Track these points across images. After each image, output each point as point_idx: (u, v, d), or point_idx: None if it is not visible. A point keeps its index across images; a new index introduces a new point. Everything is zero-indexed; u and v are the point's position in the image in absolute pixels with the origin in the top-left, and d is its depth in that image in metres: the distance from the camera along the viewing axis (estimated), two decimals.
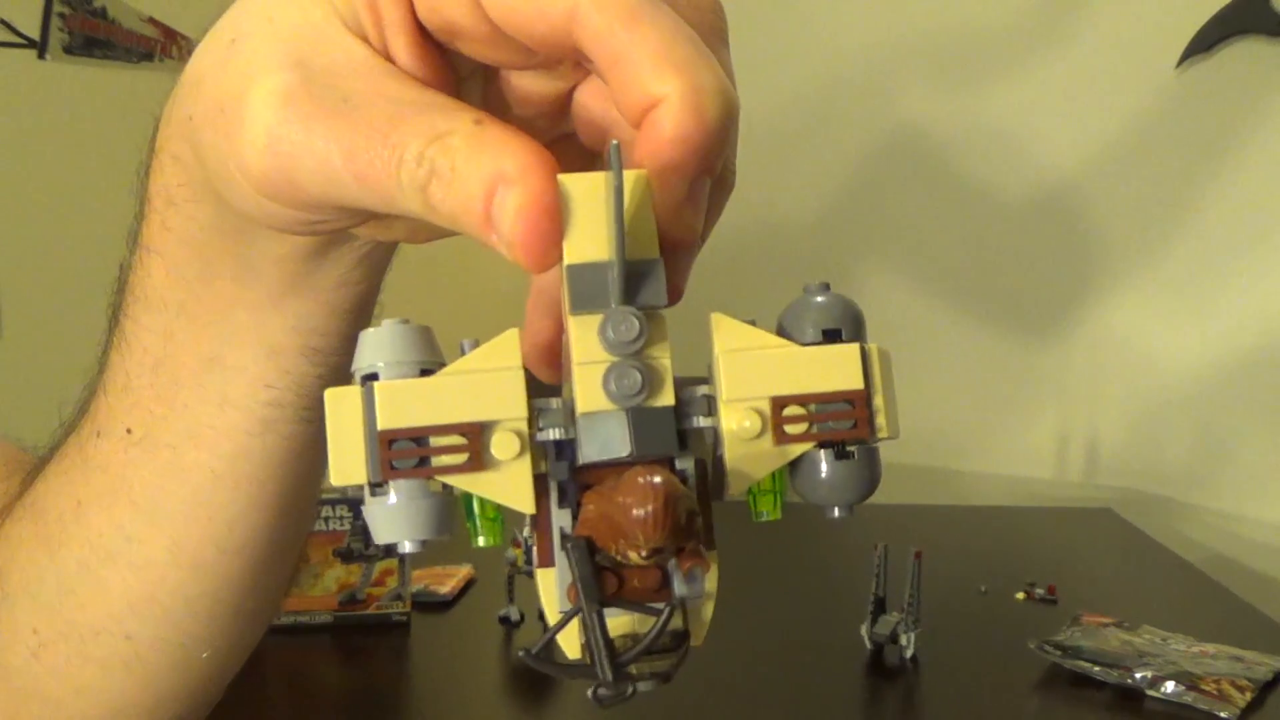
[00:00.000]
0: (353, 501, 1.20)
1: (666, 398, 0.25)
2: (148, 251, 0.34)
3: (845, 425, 0.26)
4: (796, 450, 0.26)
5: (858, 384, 0.26)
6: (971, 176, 2.11)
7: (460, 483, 0.24)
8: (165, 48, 2.10)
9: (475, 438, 0.24)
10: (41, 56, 2.00)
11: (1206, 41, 1.85)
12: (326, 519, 1.20)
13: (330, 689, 1.13)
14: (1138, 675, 1.05)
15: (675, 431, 0.25)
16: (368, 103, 0.26)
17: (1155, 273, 1.97)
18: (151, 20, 2.09)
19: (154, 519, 0.37)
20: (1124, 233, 1.99)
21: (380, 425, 0.24)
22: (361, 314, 0.36)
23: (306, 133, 0.26)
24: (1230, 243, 1.89)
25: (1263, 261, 1.87)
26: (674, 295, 0.27)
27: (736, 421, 0.26)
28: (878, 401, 0.26)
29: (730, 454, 0.26)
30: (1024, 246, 2.08)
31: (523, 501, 0.25)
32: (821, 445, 0.26)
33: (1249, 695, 1.02)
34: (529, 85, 0.30)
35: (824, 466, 0.26)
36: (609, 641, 0.24)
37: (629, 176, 0.25)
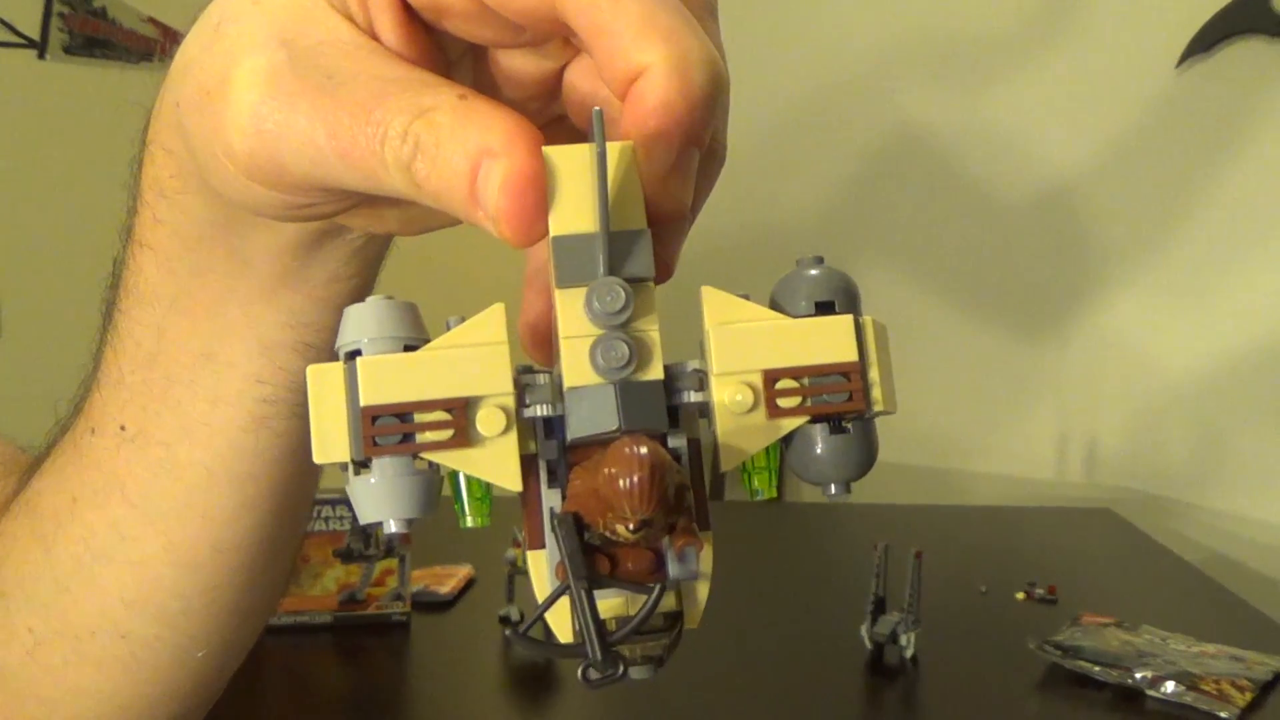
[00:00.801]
0: None
1: (655, 370, 0.25)
2: (140, 246, 0.34)
3: (839, 398, 0.25)
4: (790, 424, 0.25)
5: (852, 356, 0.25)
6: (972, 176, 2.11)
7: (445, 459, 0.24)
8: (165, 48, 2.10)
9: (460, 414, 0.24)
10: (41, 56, 2.00)
11: (1206, 41, 1.85)
12: (326, 519, 1.20)
13: (330, 689, 1.13)
14: (1138, 675, 1.05)
15: (664, 405, 0.25)
16: (352, 80, 0.25)
17: (1155, 272, 1.96)
18: (151, 20, 2.09)
19: (148, 516, 0.37)
20: (1124, 232, 1.99)
21: (363, 401, 0.24)
22: None
23: (290, 111, 0.25)
24: (1230, 242, 1.89)
25: (1263, 261, 1.86)
26: (664, 271, 0.26)
27: (728, 395, 0.25)
28: (873, 374, 0.25)
29: (721, 428, 0.25)
30: (1024, 246, 2.08)
31: (509, 478, 0.24)
32: (815, 419, 0.25)
33: (1249, 695, 1.02)
34: (519, 66, 0.30)
35: (818, 442, 0.25)
36: (598, 620, 0.23)
37: (614, 148, 0.25)
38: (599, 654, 0.23)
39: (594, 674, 0.24)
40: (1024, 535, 1.67)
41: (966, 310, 2.15)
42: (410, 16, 0.27)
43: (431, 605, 1.26)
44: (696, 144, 0.25)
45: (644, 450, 0.22)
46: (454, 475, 0.25)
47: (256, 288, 0.34)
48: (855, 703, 1.11)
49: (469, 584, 1.32)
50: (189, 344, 0.35)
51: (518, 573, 1.19)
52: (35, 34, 2.00)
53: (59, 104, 2.04)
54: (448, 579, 1.30)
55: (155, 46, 2.09)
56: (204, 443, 0.36)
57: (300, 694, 1.11)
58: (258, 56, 0.26)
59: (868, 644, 1.13)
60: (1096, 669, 1.07)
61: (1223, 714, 1.00)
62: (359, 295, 0.36)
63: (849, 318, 0.26)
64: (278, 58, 0.26)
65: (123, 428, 0.36)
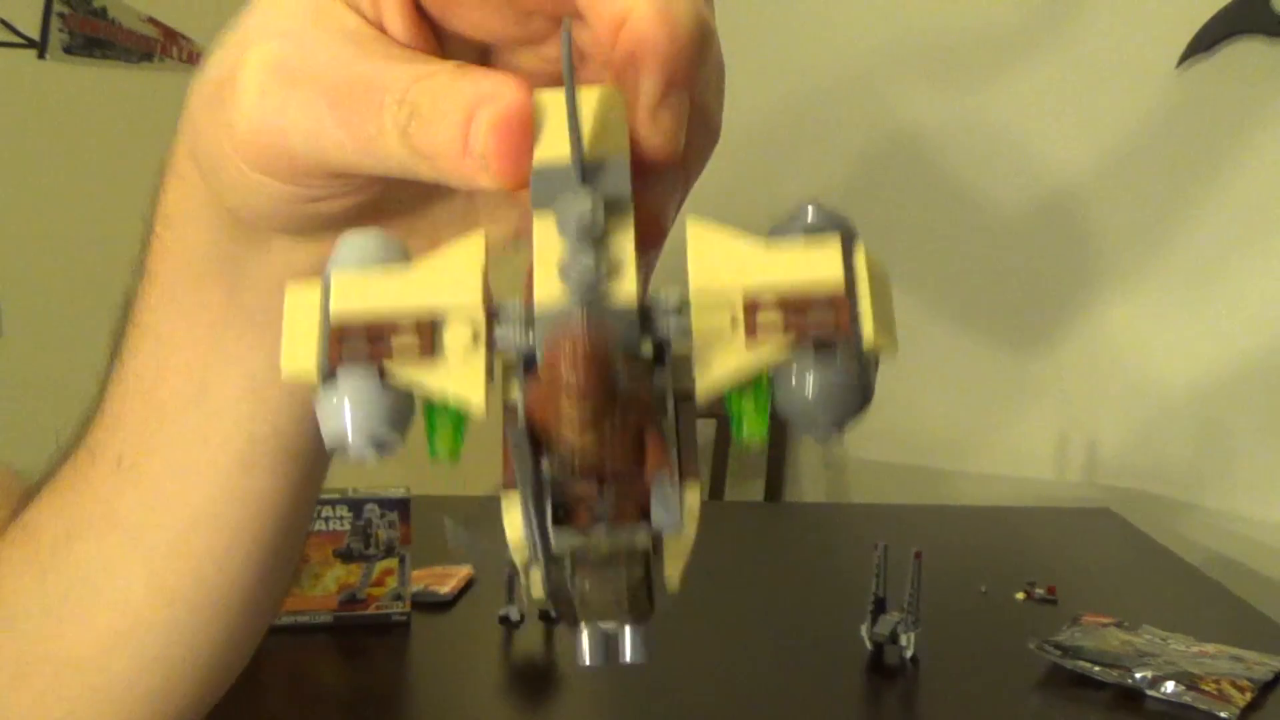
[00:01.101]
0: (352, 501, 1.20)
1: (628, 285, 0.24)
2: (146, 277, 0.35)
3: (825, 324, 0.23)
4: (770, 350, 0.24)
5: (838, 278, 0.24)
6: (971, 177, 2.11)
7: (410, 373, 0.23)
8: (165, 48, 2.10)
9: (429, 331, 0.24)
10: (41, 56, 2.00)
11: (1206, 41, 1.85)
12: (326, 519, 1.20)
13: (330, 689, 1.13)
14: (1138, 675, 1.05)
15: (637, 328, 0.24)
16: (357, 60, 0.26)
17: (1155, 272, 1.96)
18: (151, 20, 2.09)
19: (138, 553, 0.37)
20: (1124, 232, 1.99)
21: (333, 308, 0.24)
22: None
23: (294, 87, 0.26)
24: (1230, 242, 1.89)
25: (1263, 261, 1.86)
26: (654, 228, 0.26)
27: (705, 320, 0.24)
28: (863, 302, 0.24)
29: (698, 352, 0.24)
30: (1024, 246, 2.08)
31: (472, 393, 0.23)
32: (801, 347, 0.24)
33: (1249, 695, 1.03)
34: (528, 69, 0.30)
35: (805, 374, 0.23)
36: (543, 521, 0.22)
37: (601, 90, 0.25)
38: (540, 555, 0.22)
39: (551, 585, 0.23)
40: (1024, 535, 1.67)
41: (966, 310, 2.15)
42: (420, 16, 0.27)
43: (431, 605, 1.26)
44: (681, 86, 0.25)
45: (586, 328, 0.21)
46: (428, 406, 0.24)
47: (253, 323, 0.34)
48: (855, 703, 1.11)
49: (469, 584, 1.32)
50: (184, 380, 0.35)
51: (518, 573, 1.19)
52: (35, 34, 2.00)
53: (59, 104, 2.04)
54: (448, 579, 1.30)
55: (155, 46, 2.09)
56: (194, 482, 0.36)
57: (300, 694, 1.11)
58: (266, 44, 0.27)
59: (868, 644, 1.13)
60: (1096, 669, 1.07)
61: (1223, 714, 1.00)
62: None
63: (836, 242, 0.24)
64: (285, 44, 0.27)
65: (119, 461, 0.36)
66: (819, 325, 0.23)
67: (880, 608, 1.14)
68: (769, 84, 2.15)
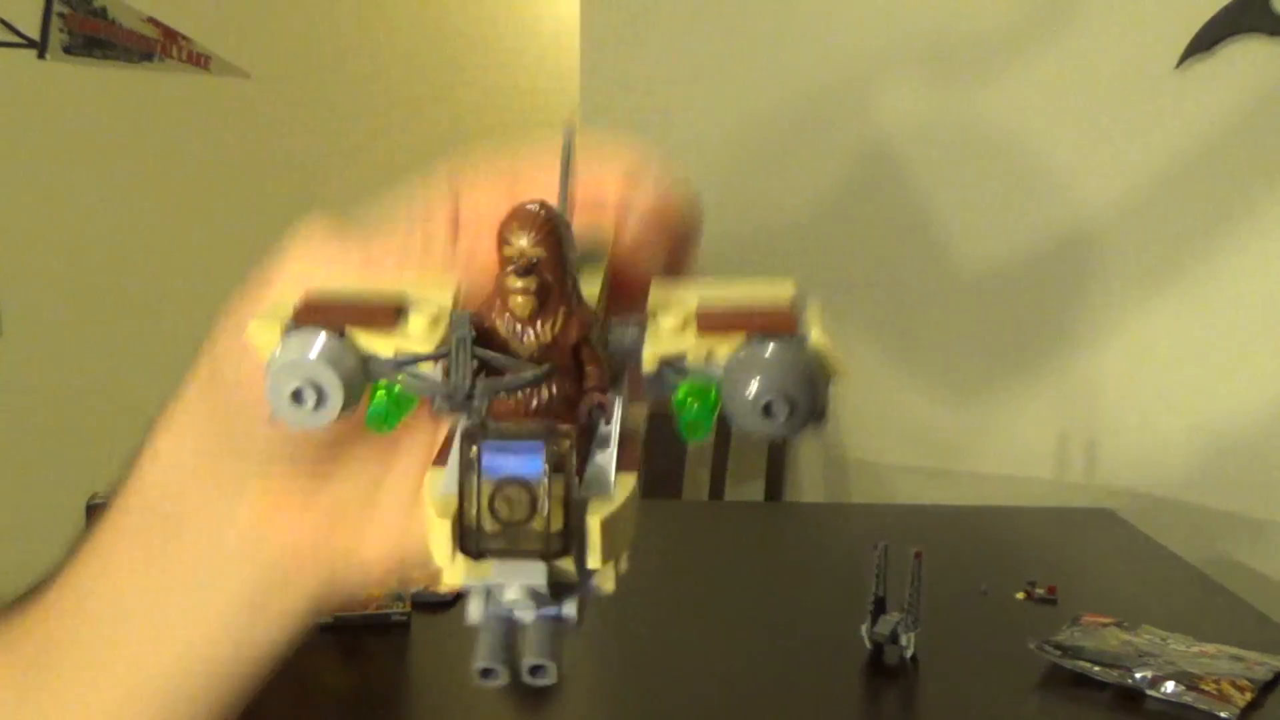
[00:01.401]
0: None
1: (590, 289, 0.26)
2: (125, 487, 0.35)
3: (771, 322, 0.24)
4: (717, 341, 0.24)
5: (787, 297, 0.25)
6: (970, 177, 2.11)
7: (368, 339, 0.24)
8: (165, 48, 2.10)
9: (394, 309, 0.25)
10: (41, 56, 2.00)
11: (1206, 41, 1.85)
12: None
13: (330, 689, 1.13)
14: (1138, 675, 1.05)
15: (598, 322, 0.25)
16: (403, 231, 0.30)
17: (1155, 271, 1.97)
18: (151, 20, 2.09)
19: None
20: (1124, 232, 1.99)
21: (309, 291, 0.25)
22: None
23: (338, 238, 0.30)
24: (1230, 242, 1.89)
25: (1263, 261, 1.87)
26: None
27: (660, 320, 0.25)
28: (812, 318, 0.24)
29: (649, 341, 0.25)
30: (1024, 245, 2.08)
31: (421, 349, 0.24)
32: (748, 342, 0.24)
33: (1249, 695, 1.03)
34: None
35: (749, 366, 0.23)
36: (466, 367, 0.23)
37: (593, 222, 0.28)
38: (461, 392, 0.23)
39: (446, 405, 0.23)
40: (1024, 535, 1.67)
41: (967, 310, 2.15)
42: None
43: (431, 605, 1.26)
44: (664, 236, 0.29)
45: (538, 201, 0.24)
46: (375, 385, 0.25)
47: (173, 569, 0.34)
48: (855, 703, 1.11)
49: None
50: (107, 603, 0.35)
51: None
52: (35, 34, 2.00)
53: (59, 104, 2.04)
54: None
55: (155, 46, 2.09)
56: (93, 705, 0.35)
57: (300, 694, 1.11)
58: (313, 225, 0.30)
59: (868, 644, 1.13)
60: (1096, 669, 1.07)
61: (1223, 714, 1.00)
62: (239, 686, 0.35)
63: (791, 279, 0.26)
64: (327, 224, 0.30)
65: (34, 661, 0.36)
66: (765, 323, 0.24)
67: (880, 608, 1.14)
68: (768, 85, 2.15)
